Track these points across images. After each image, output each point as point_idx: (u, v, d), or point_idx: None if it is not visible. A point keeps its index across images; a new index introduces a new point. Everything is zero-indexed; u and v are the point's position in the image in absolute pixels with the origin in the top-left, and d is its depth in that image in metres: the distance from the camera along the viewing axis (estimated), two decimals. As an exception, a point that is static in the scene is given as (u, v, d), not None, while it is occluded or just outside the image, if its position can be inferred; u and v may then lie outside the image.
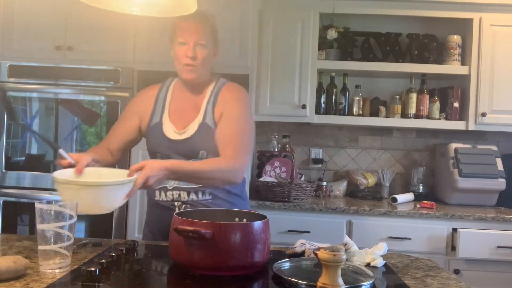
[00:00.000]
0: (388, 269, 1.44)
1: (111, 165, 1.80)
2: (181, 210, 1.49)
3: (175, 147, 1.76)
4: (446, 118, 3.26)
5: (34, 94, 3.00)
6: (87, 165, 1.55)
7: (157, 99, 1.86)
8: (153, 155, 1.84)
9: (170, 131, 1.79)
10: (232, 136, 1.72)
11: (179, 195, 1.76)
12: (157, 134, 1.80)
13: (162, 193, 1.78)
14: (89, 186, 1.36)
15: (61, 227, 1.22)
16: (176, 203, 1.77)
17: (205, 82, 1.84)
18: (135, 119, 1.86)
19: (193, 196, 1.76)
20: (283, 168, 3.20)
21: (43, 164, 2.99)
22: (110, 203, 1.42)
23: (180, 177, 1.65)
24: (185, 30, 1.74)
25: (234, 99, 1.79)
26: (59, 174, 1.46)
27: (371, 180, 3.38)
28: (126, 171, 1.51)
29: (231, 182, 1.72)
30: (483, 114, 3.10)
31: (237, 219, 1.50)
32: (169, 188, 1.77)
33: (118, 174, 1.54)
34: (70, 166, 1.53)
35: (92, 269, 1.18)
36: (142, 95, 1.91)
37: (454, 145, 3.16)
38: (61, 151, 1.52)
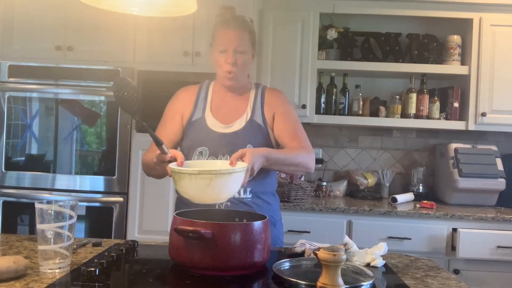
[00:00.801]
0: (388, 269, 1.44)
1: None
2: (182, 210, 1.49)
3: (221, 141, 1.77)
4: (446, 118, 3.26)
5: (34, 94, 3.00)
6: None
7: (197, 98, 1.88)
8: (193, 150, 1.80)
9: (216, 125, 1.81)
10: (295, 131, 1.82)
11: None
12: (201, 128, 1.81)
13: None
14: (220, 174, 1.36)
15: (61, 227, 1.22)
16: None
17: (245, 84, 1.89)
18: (178, 119, 1.86)
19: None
20: (283, 168, 3.20)
21: (43, 164, 2.99)
22: (233, 190, 1.44)
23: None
24: (225, 37, 1.77)
25: (284, 101, 1.89)
26: (175, 165, 1.46)
27: (371, 180, 3.38)
28: (225, 161, 1.55)
29: (309, 169, 1.79)
30: (483, 114, 3.10)
31: (237, 219, 1.50)
32: None
33: (217, 165, 1.55)
34: (169, 161, 1.54)
35: (92, 269, 1.18)
36: (182, 95, 1.91)
37: (454, 145, 3.16)
38: (164, 146, 1.52)
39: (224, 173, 1.39)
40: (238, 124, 1.81)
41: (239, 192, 1.75)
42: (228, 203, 1.73)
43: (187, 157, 1.82)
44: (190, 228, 1.25)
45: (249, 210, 1.68)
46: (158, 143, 1.50)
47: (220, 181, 1.37)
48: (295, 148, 1.77)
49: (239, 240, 1.27)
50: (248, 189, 1.77)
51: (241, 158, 1.50)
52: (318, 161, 3.49)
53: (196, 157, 1.79)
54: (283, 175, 3.16)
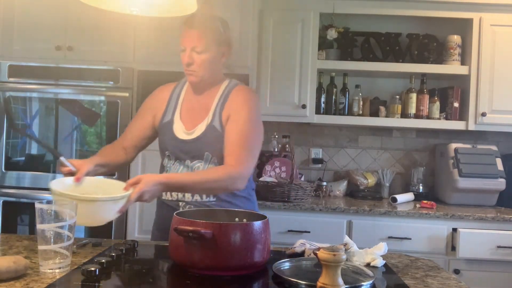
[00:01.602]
0: (388, 269, 1.44)
1: (124, 163, 1.86)
2: (182, 210, 1.49)
3: (183, 147, 1.79)
4: (446, 118, 3.26)
5: (34, 94, 3.00)
6: (88, 173, 1.58)
7: (170, 98, 1.89)
8: (163, 153, 1.87)
9: (180, 131, 1.81)
10: (237, 141, 1.70)
11: (184, 195, 1.77)
12: (167, 132, 1.83)
13: (168, 192, 1.79)
14: (82, 201, 1.35)
15: (61, 227, 1.22)
16: (180, 203, 1.78)
17: (214, 83, 1.85)
18: (149, 116, 1.88)
19: (197, 197, 1.77)
20: (283, 168, 3.21)
21: (43, 164, 2.99)
22: (102, 217, 1.42)
23: (176, 190, 1.68)
24: (184, 36, 1.77)
25: (242, 102, 1.78)
26: (57, 183, 1.46)
27: (371, 180, 3.38)
28: (123, 184, 1.52)
29: (231, 190, 1.72)
30: (483, 114, 3.10)
31: (237, 219, 1.50)
32: None
33: (115, 187, 1.53)
34: (71, 173, 1.55)
35: (92, 269, 1.18)
36: (157, 93, 1.93)
37: (454, 145, 3.16)
38: (62, 158, 1.53)
39: (91, 200, 1.37)
40: (199, 130, 1.79)
41: (201, 196, 1.77)
42: (192, 205, 1.76)
43: (162, 158, 1.88)
44: (190, 228, 1.25)
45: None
46: (55, 155, 1.54)
47: (88, 207, 1.34)
48: (215, 170, 1.69)
49: (239, 240, 1.27)
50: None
51: (137, 183, 1.48)
52: (318, 161, 3.49)
53: (166, 159, 1.84)
54: (283, 175, 3.16)
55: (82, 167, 1.57)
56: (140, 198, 1.48)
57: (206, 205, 1.76)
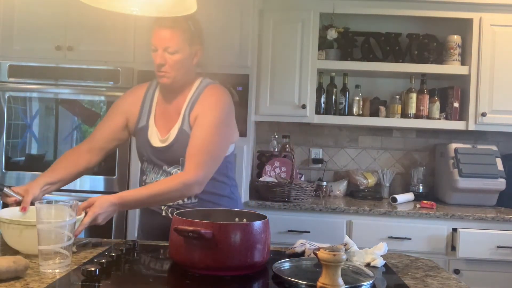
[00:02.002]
0: (388, 269, 1.44)
1: (85, 170, 1.80)
2: (181, 210, 1.49)
3: (158, 155, 1.78)
4: (446, 118, 3.26)
5: (34, 94, 3.00)
6: (35, 198, 1.55)
7: (144, 101, 1.85)
8: (140, 157, 1.86)
9: (154, 137, 1.79)
10: (198, 146, 1.68)
11: None
12: (142, 139, 1.81)
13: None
14: (30, 226, 1.31)
15: (61, 227, 1.22)
16: (163, 207, 1.78)
17: (187, 84, 1.81)
18: (121, 119, 1.84)
19: (179, 201, 1.75)
20: (283, 168, 3.20)
21: (43, 164, 2.99)
22: None
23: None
24: (155, 37, 1.73)
25: (210, 103, 1.74)
26: (6, 211, 1.43)
27: (371, 180, 3.38)
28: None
29: (188, 196, 1.72)
30: (483, 114, 3.10)
31: (237, 219, 1.50)
32: None
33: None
34: (18, 203, 1.52)
35: (92, 269, 1.18)
36: (129, 95, 1.89)
37: (454, 145, 3.16)
38: (6, 190, 1.49)
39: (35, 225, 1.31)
40: (172, 135, 1.76)
41: (183, 199, 1.75)
42: (174, 208, 1.73)
43: (139, 161, 1.86)
44: (190, 228, 1.25)
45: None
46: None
47: (32, 231, 1.28)
48: (168, 180, 1.66)
49: (239, 240, 1.27)
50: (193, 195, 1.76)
51: (88, 207, 1.47)
52: (318, 161, 3.49)
53: (146, 163, 1.83)
54: (283, 175, 3.16)
55: (27, 195, 1.53)
56: (94, 222, 1.47)
57: (189, 207, 1.74)
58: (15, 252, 1.43)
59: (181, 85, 1.80)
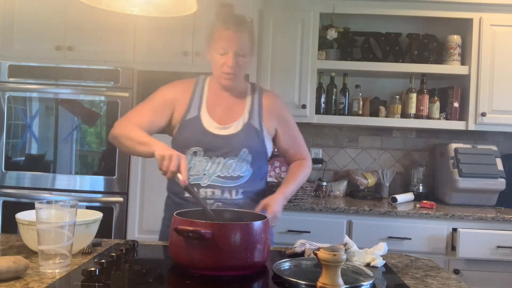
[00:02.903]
0: (388, 269, 1.44)
1: None
2: (182, 210, 1.49)
3: (217, 142, 1.77)
4: (446, 118, 3.26)
5: (34, 94, 3.00)
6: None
7: (193, 94, 1.85)
8: (185, 149, 1.78)
9: (211, 126, 1.79)
10: (298, 140, 1.97)
11: (213, 192, 1.76)
12: (196, 128, 1.79)
13: (195, 190, 1.75)
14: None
15: (61, 227, 1.22)
16: (208, 201, 1.74)
17: (241, 84, 1.88)
18: (169, 108, 1.83)
19: (226, 195, 1.76)
20: (283, 168, 3.20)
21: (43, 164, 2.99)
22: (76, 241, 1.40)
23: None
24: (224, 39, 1.74)
25: (283, 108, 1.95)
26: (24, 214, 1.45)
27: (371, 180, 3.38)
28: (94, 212, 1.53)
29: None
30: (483, 114, 3.10)
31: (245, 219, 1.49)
32: (203, 185, 1.76)
33: (87, 214, 1.52)
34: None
35: (92, 269, 1.18)
36: (178, 86, 1.88)
37: (454, 145, 3.16)
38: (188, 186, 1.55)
39: None
40: (235, 127, 1.79)
41: (230, 193, 1.76)
42: (220, 203, 1.75)
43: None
44: (190, 228, 1.25)
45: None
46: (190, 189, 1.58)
47: None
48: (299, 166, 1.93)
49: (239, 240, 1.27)
50: (240, 190, 1.78)
51: (264, 208, 1.66)
52: (318, 161, 3.49)
53: (190, 156, 1.78)
54: (283, 175, 3.16)
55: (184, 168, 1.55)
56: (275, 218, 1.68)
57: (235, 204, 1.75)
58: (15, 252, 1.43)
59: (237, 87, 1.86)
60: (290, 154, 1.97)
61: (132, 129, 1.74)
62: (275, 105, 1.90)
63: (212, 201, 1.76)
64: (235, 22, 1.75)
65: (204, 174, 1.77)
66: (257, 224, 1.32)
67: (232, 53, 1.73)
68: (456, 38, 3.20)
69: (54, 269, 1.23)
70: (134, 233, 2.93)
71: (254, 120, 1.82)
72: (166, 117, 1.84)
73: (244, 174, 1.79)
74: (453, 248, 2.78)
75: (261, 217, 1.43)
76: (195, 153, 1.78)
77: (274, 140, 1.92)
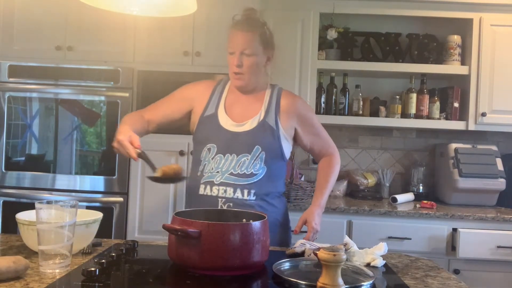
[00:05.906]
0: (388, 269, 1.44)
1: (145, 134, 1.87)
2: (182, 210, 1.49)
3: (231, 139, 1.80)
4: (446, 118, 3.26)
5: (34, 94, 3.00)
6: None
7: (213, 93, 1.90)
8: (202, 146, 1.84)
9: (227, 123, 1.83)
10: (322, 136, 2.00)
11: (225, 190, 1.77)
12: (212, 125, 1.84)
13: (208, 187, 1.79)
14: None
15: (61, 227, 1.22)
16: (220, 200, 1.77)
17: (260, 87, 1.91)
18: (186, 104, 1.90)
19: (238, 194, 1.77)
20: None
21: (43, 164, 2.99)
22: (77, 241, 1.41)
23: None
24: (233, 40, 1.80)
25: (304, 107, 1.97)
26: (24, 214, 1.45)
27: (371, 180, 3.38)
28: (94, 212, 1.54)
29: None
30: (483, 114, 3.10)
31: (244, 220, 1.49)
32: (216, 182, 1.78)
33: (87, 214, 1.52)
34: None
35: (92, 269, 1.18)
36: (199, 85, 1.95)
37: (454, 145, 3.16)
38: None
39: None
40: (250, 124, 1.82)
41: (242, 193, 1.77)
42: (231, 203, 1.75)
43: (197, 152, 1.87)
44: (178, 227, 1.25)
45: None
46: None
47: None
48: (331, 166, 1.99)
49: (238, 240, 1.27)
50: (252, 191, 1.78)
51: (305, 224, 1.84)
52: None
53: (204, 153, 1.82)
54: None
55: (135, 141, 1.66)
56: (316, 229, 1.87)
57: (247, 204, 1.76)
58: (15, 252, 1.43)
59: (254, 89, 1.89)
60: (315, 151, 2.01)
61: (128, 116, 1.87)
62: (294, 104, 1.91)
63: (224, 199, 1.77)
64: (245, 24, 1.79)
65: (218, 172, 1.78)
66: (256, 224, 1.32)
67: (238, 53, 1.78)
68: (456, 38, 3.20)
69: (54, 269, 1.23)
70: (134, 233, 2.93)
71: (269, 119, 1.84)
72: (181, 112, 1.91)
73: (258, 172, 1.80)
74: (453, 248, 2.78)
75: (261, 217, 1.43)
76: (209, 150, 1.82)
77: (296, 139, 1.95)
